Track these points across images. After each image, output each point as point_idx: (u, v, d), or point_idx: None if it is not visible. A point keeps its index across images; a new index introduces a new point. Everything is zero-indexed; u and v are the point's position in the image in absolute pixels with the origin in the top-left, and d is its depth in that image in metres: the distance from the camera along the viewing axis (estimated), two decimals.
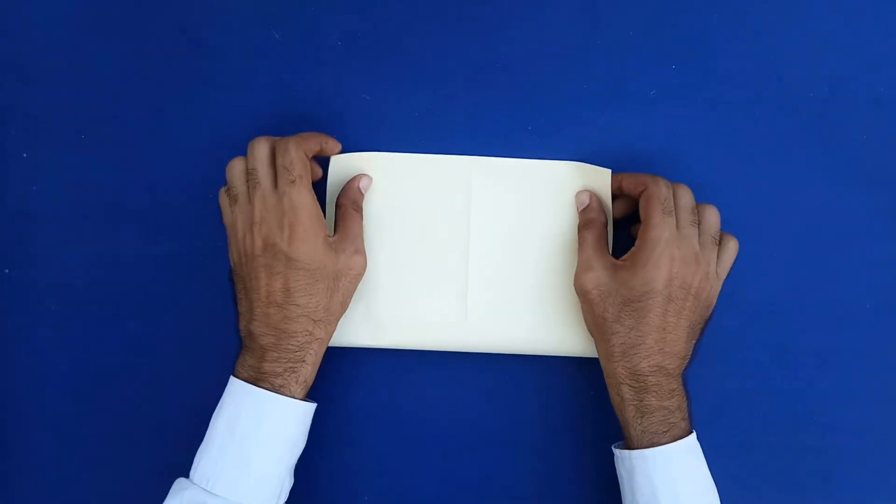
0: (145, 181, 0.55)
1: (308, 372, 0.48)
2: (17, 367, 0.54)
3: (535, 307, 0.53)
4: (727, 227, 0.54)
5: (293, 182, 0.47)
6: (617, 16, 0.54)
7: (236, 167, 0.49)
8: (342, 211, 0.51)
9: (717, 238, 0.49)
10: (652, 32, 0.54)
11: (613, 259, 0.49)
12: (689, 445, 0.47)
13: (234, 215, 0.48)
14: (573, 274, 0.50)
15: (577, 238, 0.52)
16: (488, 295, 0.53)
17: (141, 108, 0.55)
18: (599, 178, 0.52)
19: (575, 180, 0.53)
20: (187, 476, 0.46)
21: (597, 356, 0.50)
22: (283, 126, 0.54)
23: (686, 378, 0.49)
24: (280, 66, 0.54)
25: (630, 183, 0.50)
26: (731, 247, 0.49)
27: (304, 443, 0.48)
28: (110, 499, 0.54)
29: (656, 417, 0.46)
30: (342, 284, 0.49)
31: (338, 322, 0.50)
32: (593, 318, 0.49)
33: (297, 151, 0.47)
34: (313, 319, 0.47)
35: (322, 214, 0.48)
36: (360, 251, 0.50)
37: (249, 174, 0.48)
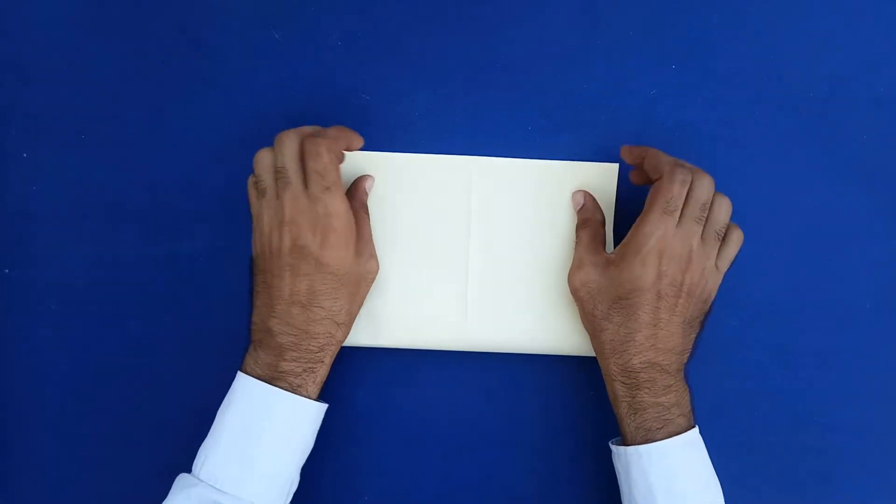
0: (145, 181, 0.55)
1: (324, 373, 0.48)
2: (17, 367, 0.54)
3: (534, 306, 0.53)
4: None
5: (328, 188, 0.46)
6: (617, 16, 0.54)
7: (264, 159, 0.47)
8: (358, 219, 0.50)
9: (722, 232, 0.48)
10: (652, 32, 0.54)
11: (607, 255, 0.49)
12: (687, 441, 0.46)
13: (260, 208, 0.47)
14: None
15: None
16: (488, 294, 0.53)
17: (141, 108, 0.55)
18: (605, 174, 0.53)
19: (575, 180, 0.53)
20: (188, 473, 0.45)
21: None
22: (283, 126, 0.54)
23: (688, 373, 0.48)
24: (280, 66, 0.54)
25: (651, 165, 0.48)
26: (735, 239, 0.49)
27: (314, 442, 0.48)
28: (110, 499, 0.54)
29: (650, 414, 0.46)
30: (361, 289, 0.50)
31: (350, 329, 0.50)
32: (585, 315, 0.50)
33: (329, 155, 0.46)
34: (336, 322, 0.47)
35: (354, 223, 0.48)
36: (374, 255, 0.51)
37: (278, 171, 0.46)
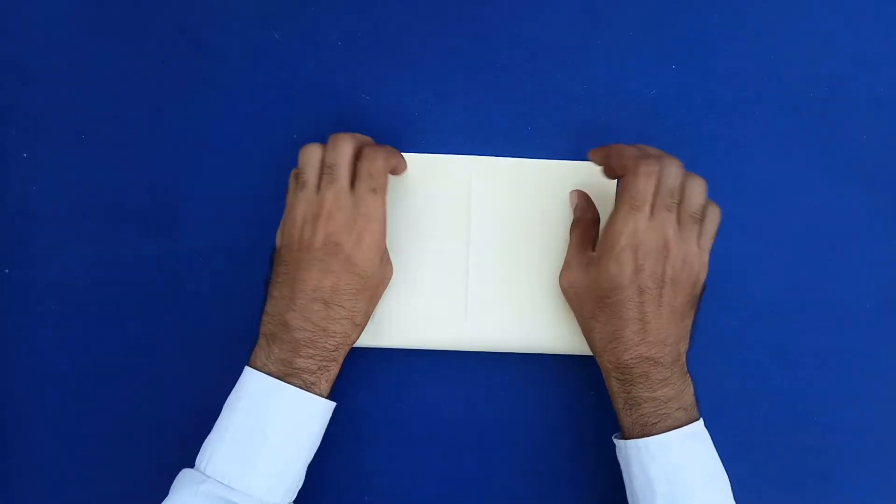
0: (145, 181, 0.55)
1: (336, 372, 0.47)
2: (17, 367, 0.54)
3: (534, 306, 0.53)
4: (727, 226, 0.54)
5: (374, 191, 0.46)
6: (617, 16, 0.54)
7: (313, 153, 0.47)
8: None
9: (699, 214, 0.46)
10: (652, 32, 0.54)
11: (590, 255, 0.49)
12: (687, 434, 0.45)
13: (296, 200, 0.47)
14: None
15: None
16: (488, 294, 0.53)
17: (141, 108, 0.55)
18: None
19: (575, 180, 0.53)
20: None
21: None
22: (283, 126, 0.54)
23: (690, 362, 0.47)
24: (280, 66, 0.54)
25: (616, 163, 0.47)
26: (711, 215, 0.47)
27: (321, 440, 0.48)
28: (111, 498, 0.54)
29: (645, 409, 0.45)
30: (378, 292, 0.50)
31: (362, 331, 0.50)
32: (575, 314, 0.50)
33: (384, 163, 0.47)
34: (354, 323, 0.47)
35: (386, 231, 0.48)
36: (389, 260, 0.51)
37: (328, 167, 0.46)
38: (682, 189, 0.46)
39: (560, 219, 0.53)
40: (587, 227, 0.51)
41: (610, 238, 0.46)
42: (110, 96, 0.55)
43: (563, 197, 0.53)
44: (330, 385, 0.47)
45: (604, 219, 0.52)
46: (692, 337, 0.48)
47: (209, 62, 0.55)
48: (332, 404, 0.47)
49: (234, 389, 0.46)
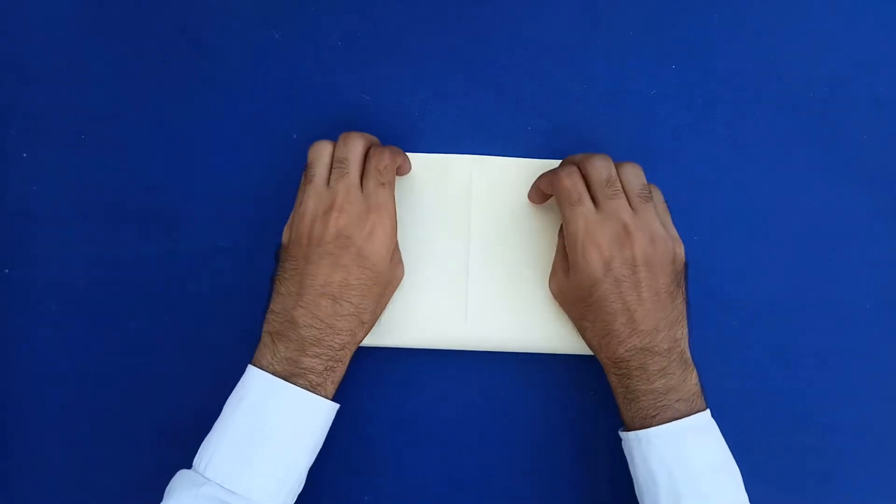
0: (145, 181, 0.55)
1: (342, 373, 0.47)
2: (17, 367, 0.54)
3: (534, 305, 0.53)
4: (726, 227, 0.54)
5: (384, 185, 0.47)
6: (617, 16, 0.54)
7: (322, 149, 0.47)
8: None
9: (646, 193, 0.47)
10: (652, 32, 0.54)
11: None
12: (689, 425, 0.44)
13: (305, 194, 0.47)
14: None
15: None
16: (488, 294, 0.53)
17: (141, 108, 0.55)
18: None
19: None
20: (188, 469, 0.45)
21: None
22: (283, 126, 0.54)
23: (693, 349, 0.47)
24: (280, 66, 0.54)
25: (545, 186, 0.49)
26: (657, 194, 0.48)
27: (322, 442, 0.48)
28: (111, 499, 0.54)
29: (644, 402, 0.45)
30: (388, 292, 0.50)
31: (368, 332, 0.49)
32: (570, 318, 0.51)
33: (391, 161, 0.47)
34: (361, 321, 0.47)
35: (397, 225, 0.48)
36: (401, 261, 0.51)
37: (338, 162, 0.46)
38: (620, 178, 0.47)
39: (559, 218, 0.53)
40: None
41: (569, 240, 0.47)
42: (110, 96, 0.55)
43: None
44: (335, 387, 0.47)
45: None
46: (688, 321, 0.47)
47: (209, 62, 0.55)
48: (336, 406, 0.47)
49: (236, 388, 0.46)
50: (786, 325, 0.54)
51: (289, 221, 0.48)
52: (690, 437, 0.45)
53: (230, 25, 0.54)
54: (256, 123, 0.54)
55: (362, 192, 0.46)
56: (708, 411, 0.46)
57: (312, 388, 0.45)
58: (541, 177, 0.50)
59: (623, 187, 0.47)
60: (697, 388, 0.46)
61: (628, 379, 0.46)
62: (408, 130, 0.54)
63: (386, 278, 0.48)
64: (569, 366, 0.54)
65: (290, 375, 0.44)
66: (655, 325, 0.45)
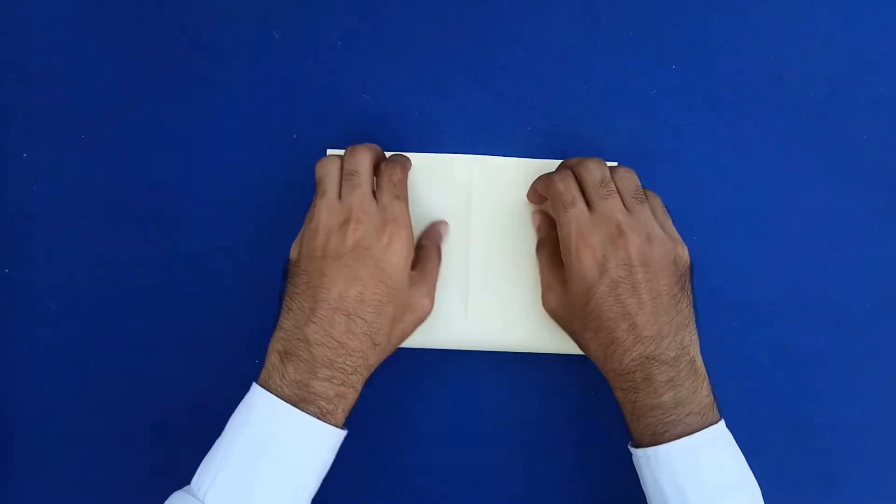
0: (145, 181, 0.55)
1: (353, 400, 0.44)
2: (17, 367, 0.54)
3: (535, 305, 0.53)
4: (726, 226, 0.54)
5: (398, 198, 0.46)
6: (617, 16, 0.54)
7: (331, 164, 0.46)
8: (425, 252, 0.50)
9: (640, 195, 0.46)
10: (652, 32, 0.54)
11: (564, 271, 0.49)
12: (700, 441, 0.42)
13: (317, 208, 0.45)
14: None
15: None
16: (488, 293, 0.53)
17: (141, 108, 0.55)
18: None
19: None
20: (185, 484, 0.43)
21: None
22: (283, 126, 0.54)
23: (704, 362, 0.45)
24: (280, 66, 0.54)
25: (541, 189, 0.49)
26: (653, 197, 0.47)
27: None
28: (110, 499, 0.54)
29: (652, 418, 0.43)
30: (406, 318, 0.48)
31: (385, 357, 0.48)
32: (571, 335, 0.49)
33: (403, 174, 0.48)
34: (374, 342, 0.45)
35: (413, 240, 0.47)
36: (432, 296, 0.50)
37: (349, 174, 0.46)
38: (614, 180, 0.46)
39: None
40: (551, 244, 0.50)
41: (563, 244, 0.46)
42: (110, 96, 0.55)
43: None
44: (346, 415, 0.44)
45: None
46: (695, 325, 0.45)
47: (209, 62, 0.55)
48: (344, 433, 0.45)
49: (240, 408, 0.43)
50: (786, 325, 0.54)
51: (298, 237, 0.47)
52: (703, 453, 0.42)
53: (230, 25, 0.54)
54: (256, 123, 0.54)
55: (376, 204, 0.46)
56: (722, 423, 0.44)
57: (322, 416, 0.42)
58: (537, 180, 0.50)
59: (617, 190, 0.46)
60: (709, 400, 0.44)
61: (634, 393, 0.44)
62: (408, 130, 0.54)
63: (403, 300, 0.47)
64: (569, 366, 0.54)
65: (299, 401, 0.42)
66: (659, 329, 0.43)
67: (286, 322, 0.44)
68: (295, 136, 0.54)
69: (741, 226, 0.54)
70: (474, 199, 0.53)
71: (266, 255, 0.54)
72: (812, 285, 0.54)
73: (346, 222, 0.44)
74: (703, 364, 0.45)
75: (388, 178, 0.47)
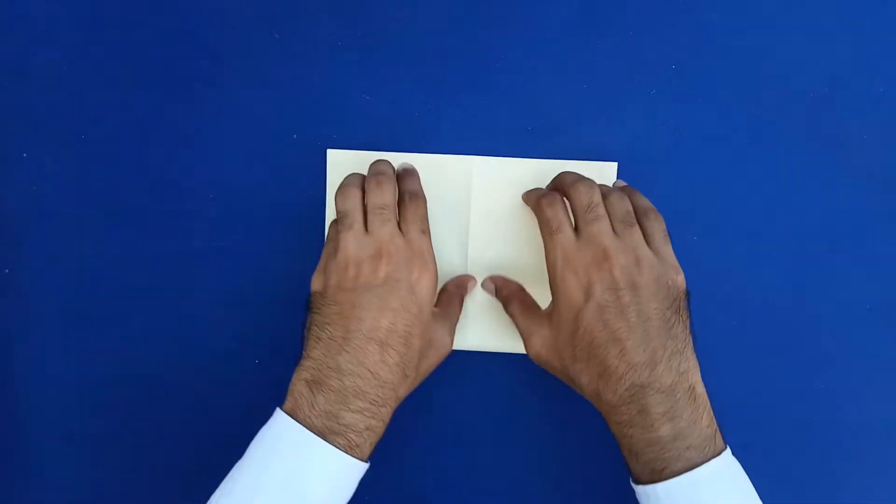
0: (145, 181, 0.55)
1: (381, 433, 0.44)
2: (17, 367, 0.54)
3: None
4: (726, 226, 0.54)
5: (424, 232, 0.47)
6: (617, 16, 0.54)
7: (354, 196, 0.47)
8: (449, 295, 0.51)
9: (630, 219, 0.45)
10: (652, 32, 0.54)
11: (543, 311, 0.49)
12: (703, 476, 0.40)
13: (344, 241, 0.45)
14: None
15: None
16: (488, 295, 0.53)
17: (141, 108, 0.55)
18: (604, 172, 0.53)
19: None
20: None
21: None
22: (283, 126, 0.54)
23: (707, 384, 0.44)
24: (280, 66, 0.54)
25: (531, 206, 0.50)
26: (656, 220, 0.46)
27: None
28: (110, 499, 0.54)
29: (650, 455, 0.41)
30: (430, 353, 0.48)
31: (410, 392, 0.47)
32: (563, 377, 0.47)
33: (426, 206, 0.49)
34: (405, 373, 0.44)
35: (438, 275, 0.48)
36: (453, 335, 0.50)
37: (379, 208, 0.46)
38: (605, 204, 0.46)
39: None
40: (519, 295, 0.51)
41: (550, 270, 0.46)
42: (110, 96, 0.55)
43: None
44: (372, 449, 0.44)
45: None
46: (693, 351, 0.44)
47: (209, 62, 0.55)
48: (367, 465, 0.44)
49: (265, 436, 0.43)
50: (786, 325, 0.54)
51: (320, 270, 0.47)
52: (704, 489, 0.40)
53: (230, 25, 0.54)
54: (256, 123, 0.54)
55: (404, 237, 0.46)
56: (726, 453, 0.42)
57: (350, 449, 0.42)
58: (528, 194, 0.51)
59: (608, 213, 0.46)
60: (711, 430, 0.42)
61: (630, 428, 0.42)
62: (408, 130, 0.54)
63: (427, 334, 0.47)
64: None
65: (328, 432, 0.41)
66: (652, 354, 0.42)
67: (315, 352, 0.44)
68: (295, 136, 0.54)
69: (741, 226, 0.54)
70: (473, 200, 0.53)
71: (266, 255, 0.54)
72: (812, 285, 0.54)
73: (376, 256, 0.45)
74: (704, 391, 0.43)
75: (413, 211, 0.47)
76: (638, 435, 0.42)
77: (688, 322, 0.44)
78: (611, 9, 0.54)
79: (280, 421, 0.42)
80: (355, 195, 0.47)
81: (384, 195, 0.46)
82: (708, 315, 0.53)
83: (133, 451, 0.54)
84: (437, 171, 0.53)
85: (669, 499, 0.41)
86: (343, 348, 0.43)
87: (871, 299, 0.54)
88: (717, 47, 0.54)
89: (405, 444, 0.54)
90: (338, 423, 0.42)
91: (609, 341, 0.43)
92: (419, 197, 0.49)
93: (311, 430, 0.41)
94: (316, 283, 0.47)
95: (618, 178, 0.53)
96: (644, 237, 0.46)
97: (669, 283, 0.44)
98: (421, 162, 0.53)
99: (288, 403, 0.43)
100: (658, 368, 0.42)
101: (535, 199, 0.48)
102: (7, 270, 0.55)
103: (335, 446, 0.41)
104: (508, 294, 0.51)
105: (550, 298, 0.52)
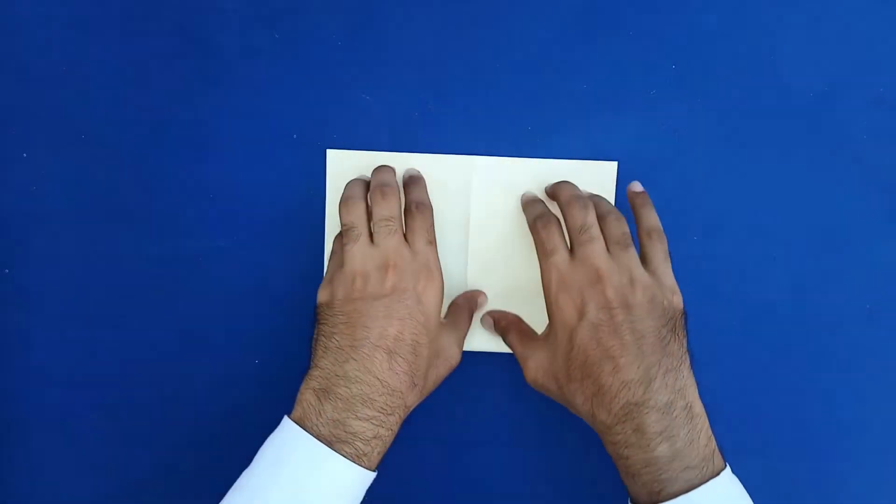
0: (145, 181, 0.55)
1: (389, 443, 0.44)
2: (17, 367, 0.54)
3: (535, 305, 0.53)
4: (726, 226, 0.54)
5: (430, 243, 0.47)
6: (617, 16, 0.54)
7: (359, 209, 0.47)
8: (459, 308, 0.51)
9: (626, 240, 0.46)
10: (652, 32, 0.54)
11: (539, 336, 0.49)
12: (699, 498, 0.40)
13: (351, 253, 0.46)
14: None
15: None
16: (488, 293, 0.53)
17: (141, 108, 0.55)
18: (604, 172, 0.53)
19: (574, 178, 0.53)
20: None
21: None
22: (283, 126, 0.54)
23: (706, 403, 0.43)
24: (280, 66, 0.54)
25: (527, 219, 0.50)
26: (658, 240, 0.47)
27: None
28: (110, 499, 0.54)
29: (647, 476, 0.41)
30: (439, 363, 0.48)
31: (418, 402, 0.47)
32: (561, 400, 0.47)
33: (432, 217, 0.49)
34: (413, 382, 0.45)
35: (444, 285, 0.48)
36: (461, 347, 0.50)
37: (385, 220, 0.46)
38: (601, 226, 0.46)
39: (560, 217, 0.53)
40: (516, 324, 0.51)
41: (545, 291, 0.47)
42: (110, 96, 0.55)
43: None
44: (380, 459, 0.44)
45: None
46: (690, 369, 0.43)
47: (209, 62, 0.55)
48: (374, 475, 0.43)
49: (273, 444, 0.43)
50: (786, 325, 0.54)
51: (326, 282, 0.47)
52: None
53: (230, 25, 0.54)
54: (256, 123, 0.54)
55: (410, 248, 0.46)
56: (726, 472, 0.41)
57: (357, 458, 0.42)
58: (526, 205, 0.51)
59: (603, 234, 0.46)
60: (709, 450, 0.41)
61: (626, 448, 0.42)
62: (408, 130, 0.54)
63: (434, 342, 0.47)
64: None
65: (335, 440, 0.41)
66: (646, 371, 0.42)
67: (323, 361, 0.44)
68: (295, 136, 0.54)
69: (741, 226, 0.54)
70: (474, 200, 0.53)
71: (266, 255, 0.54)
72: (812, 285, 0.54)
73: (382, 267, 0.45)
74: (702, 410, 0.43)
75: (420, 223, 0.48)
76: (634, 455, 0.41)
77: (684, 341, 0.44)
78: (611, 9, 0.54)
79: (287, 429, 0.42)
80: (359, 207, 0.47)
81: (390, 207, 0.47)
82: (708, 315, 0.53)
83: (133, 451, 0.54)
84: (437, 170, 0.53)
85: None
86: (351, 356, 0.43)
87: (871, 299, 0.54)
88: (717, 47, 0.54)
89: (406, 444, 0.54)
90: (345, 431, 0.42)
91: (602, 359, 0.43)
92: (426, 207, 0.49)
93: (319, 439, 0.41)
94: (322, 296, 0.47)
95: (618, 177, 0.53)
96: (643, 257, 0.46)
97: (665, 303, 0.44)
98: (421, 162, 0.53)
99: (296, 412, 0.43)
100: (653, 385, 0.42)
101: (530, 220, 0.49)
102: (7, 270, 0.55)
103: (342, 455, 0.41)
104: (506, 325, 0.52)
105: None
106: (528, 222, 0.50)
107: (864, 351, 0.54)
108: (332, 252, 0.50)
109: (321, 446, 0.41)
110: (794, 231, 0.54)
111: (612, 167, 0.53)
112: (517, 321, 0.52)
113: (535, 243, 0.48)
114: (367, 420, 0.42)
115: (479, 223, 0.53)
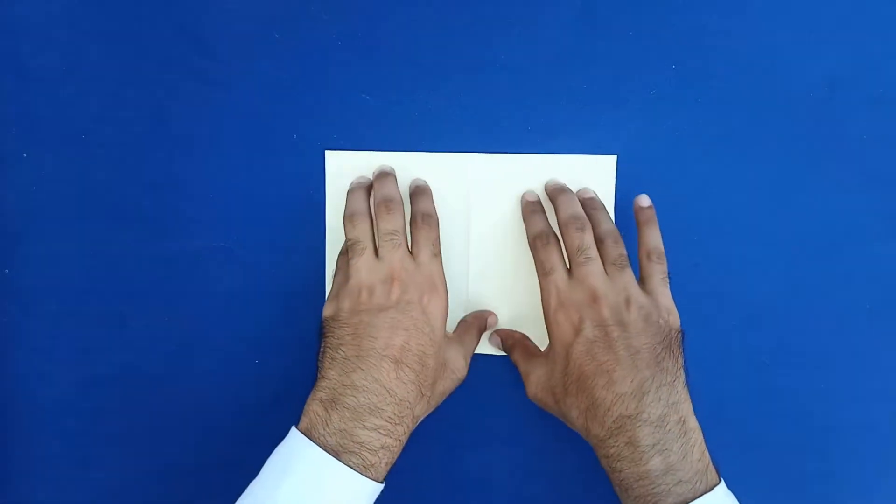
0: (146, 181, 0.55)
1: (397, 454, 0.44)
2: (17, 367, 0.54)
3: (534, 305, 0.52)
4: (726, 226, 0.54)
5: (436, 255, 0.48)
6: (617, 16, 0.54)
7: (363, 223, 0.48)
8: (468, 325, 0.52)
9: (622, 261, 0.47)
10: (652, 32, 0.54)
11: (541, 352, 0.50)
12: None
13: (356, 267, 0.46)
14: None
15: None
16: (488, 293, 0.53)
17: (141, 108, 0.55)
18: (603, 166, 0.53)
19: (573, 173, 0.53)
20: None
21: None
22: (283, 126, 0.54)
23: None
24: (280, 66, 0.54)
25: (525, 228, 0.51)
26: (655, 261, 0.48)
27: None
28: (110, 498, 0.54)
29: (640, 489, 0.41)
30: (445, 375, 0.48)
31: (426, 415, 0.47)
32: (555, 411, 0.48)
33: (438, 229, 0.49)
34: (421, 392, 0.45)
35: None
36: (468, 361, 0.50)
37: (390, 234, 0.47)
38: (598, 246, 0.47)
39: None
40: (522, 343, 0.52)
41: (545, 310, 0.47)
42: (110, 96, 0.55)
43: None
44: (388, 470, 0.43)
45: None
46: (685, 384, 0.44)
47: (209, 62, 0.55)
48: (381, 486, 0.43)
49: (280, 454, 0.42)
50: (786, 325, 0.54)
51: (333, 295, 0.48)
52: None
53: (230, 25, 0.54)
54: (256, 123, 0.54)
55: (415, 260, 0.47)
56: (719, 488, 0.42)
57: (364, 469, 0.41)
58: (525, 215, 0.52)
59: (602, 256, 0.47)
60: (703, 464, 0.42)
61: (619, 461, 0.42)
62: (408, 130, 0.54)
63: (441, 354, 0.47)
64: None
65: (342, 451, 0.41)
66: (640, 385, 0.42)
67: (330, 372, 0.44)
68: (295, 136, 0.54)
69: (741, 226, 0.54)
70: (474, 198, 0.53)
71: (266, 255, 0.54)
72: (812, 285, 0.54)
73: (388, 280, 0.46)
74: (696, 425, 0.43)
75: (426, 235, 0.48)
76: (627, 469, 0.42)
77: (680, 359, 0.45)
78: (611, 9, 0.54)
79: (294, 440, 0.42)
80: (364, 222, 0.48)
81: (395, 221, 0.47)
82: (708, 315, 0.53)
83: (133, 451, 0.54)
84: (436, 169, 0.53)
85: None
86: (358, 366, 0.43)
87: (871, 299, 0.54)
88: (716, 47, 0.54)
89: (407, 444, 0.54)
90: (352, 442, 0.42)
91: (597, 373, 0.44)
92: (432, 219, 0.49)
93: (326, 449, 0.41)
94: (328, 310, 0.47)
95: (617, 173, 0.53)
96: (642, 278, 0.48)
97: (661, 321, 0.45)
98: (420, 161, 0.53)
99: (303, 423, 0.43)
100: (646, 399, 0.42)
101: (530, 237, 0.50)
102: (7, 270, 0.55)
103: (349, 466, 0.41)
104: (513, 343, 0.52)
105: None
106: (528, 239, 0.50)
107: (864, 351, 0.54)
108: (337, 268, 0.50)
109: (328, 457, 0.41)
110: (793, 230, 0.54)
111: (611, 161, 0.53)
112: (522, 339, 0.53)
113: (535, 262, 0.49)
114: (375, 430, 0.42)
115: (479, 222, 0.53)
